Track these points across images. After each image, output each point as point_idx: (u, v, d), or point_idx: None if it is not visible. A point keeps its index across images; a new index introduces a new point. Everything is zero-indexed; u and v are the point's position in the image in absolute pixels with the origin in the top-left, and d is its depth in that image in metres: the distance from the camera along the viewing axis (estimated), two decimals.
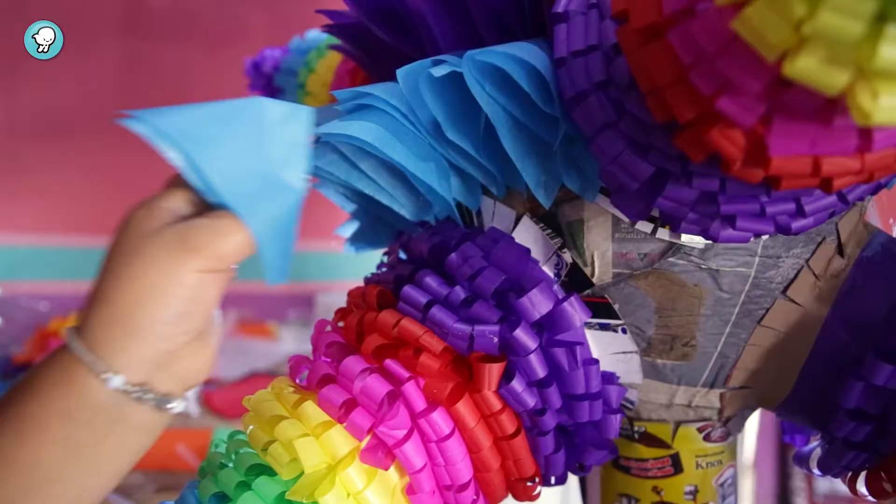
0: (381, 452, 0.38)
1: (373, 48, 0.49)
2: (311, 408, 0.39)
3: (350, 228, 0.57)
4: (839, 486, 1.56)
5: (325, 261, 1.81)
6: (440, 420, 0.39)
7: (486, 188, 0.45)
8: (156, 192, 0.32)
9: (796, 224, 0.34)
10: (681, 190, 0.33)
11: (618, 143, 0.33)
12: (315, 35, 0.79)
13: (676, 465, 0.50)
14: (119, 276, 0.29)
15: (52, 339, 1.41)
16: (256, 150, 0.32)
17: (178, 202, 0.31)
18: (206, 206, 0.32)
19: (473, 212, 0.46)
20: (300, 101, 0.76)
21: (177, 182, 0.32)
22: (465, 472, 0.40)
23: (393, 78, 0.46)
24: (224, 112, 0.32)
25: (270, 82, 0.83)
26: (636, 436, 0.50)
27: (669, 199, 0.33)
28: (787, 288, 0.42)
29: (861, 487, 0.45)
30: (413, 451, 0.38)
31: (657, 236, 0.40)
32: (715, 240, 0.36)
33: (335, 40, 0.72)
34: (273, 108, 0.32)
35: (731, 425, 0.50)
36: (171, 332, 0.29)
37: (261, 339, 1.56)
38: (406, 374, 0.39)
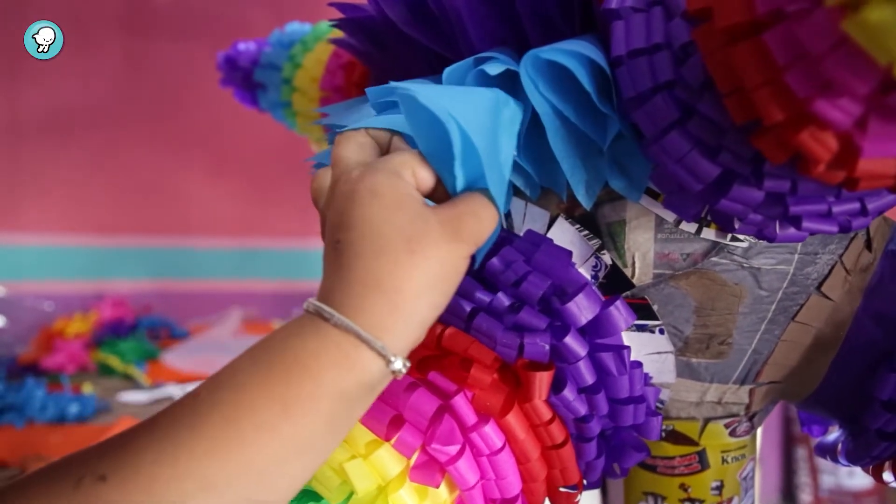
0: (432, 470, 0.37)
1: (389, 44, 0.46)
2: (356, 427, 0.37)
3: None
4: (844, 481, 1.62)
5: None
6: (492, 433, 0.37)
7: (516, 189, 0.43)
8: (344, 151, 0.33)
9: (856, 223, 0.34)
10: (748, 191, 0.32)
11: (684, 144, 0.32)
12: (296, 28, 0.76)
13: (703, 462, 0.50)
14: (401, 263, 0.29)
15: (56, 338, 1.37)
16: (495, 141, 0.33)
17: (410, 177, 0.32)
18: (427, 182, 0.33)
19: (502, 213, 0.45)
20: (285, 97, 0.72)
21: (401, 155, 0.33)
22: (515, 484, 0.39)
23: (412, 75, 0.44)
24: (483, 101, 0.33)
25: (248, 77, 0.79)
26: (663, 434, 0.50)
27: (735, 201, 0.33)
28: (821, 284, 0.42)
29: (888, 476, 0.46)
30: (466, 468, 0.37)
31: (702, 236, 0.39)
32: (771, 240, 0.35)
33: (322, 32, 0.70)
34: (503, 101, 0.34)
35: (755, 420, 0.50)
36: (435, 315, 0.31)
37: None
38: (454, 388, 0.38)
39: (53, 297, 1.59)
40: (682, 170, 0.33)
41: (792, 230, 0.34)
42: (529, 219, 0.44)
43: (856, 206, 0.33)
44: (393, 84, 0.31)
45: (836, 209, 0.33)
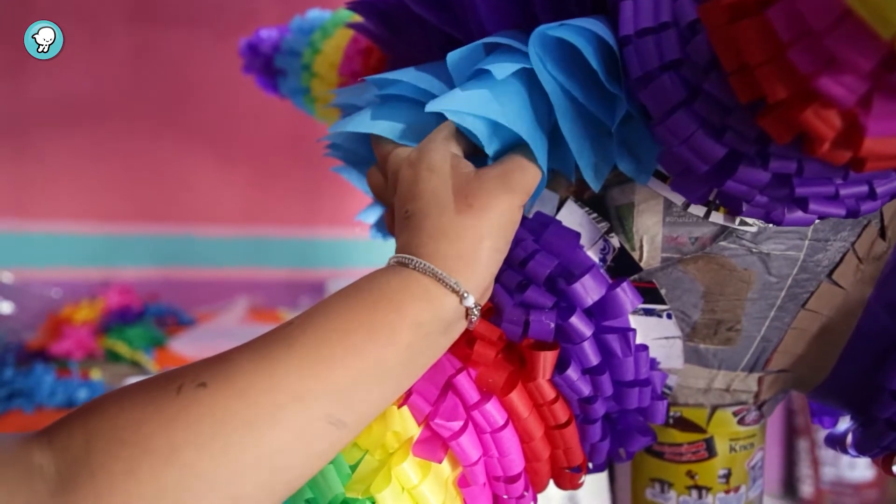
0: (434, 445, 0.37)
1: (403, 27, 0.47)
2: None
3: (373, 215, 0.55)
4: (845, 473, 1.60)
5: (336, 248, 1.81)
6: (494, 411, 0.38)
7: None
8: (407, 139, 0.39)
9: (865, 207, 0.34)
10: (754, 172, 0.32)
11: (690, 124, 0.32)
12: (317, 15, 0.76)
13: (710, 450, 0.49)
14: (463, 216, 0.34)
15: (64, 325, 1.39)
16: (533, 115, 0.37)
17: (456, 148, 0.37)
18: (468, 151, 0.38)
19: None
20: (305, 83, 0.73)
21: (445, 131, 0.38)
22: (517, 462, 0.39)
23: (425, 57, 0.44)
24: (516, 89, 0.37)
25: (269, 63, 0.80)
26: (671, 421, 0.49)
27: (741, 182, 0.33)
28: (832, 271, 0.42)
29: None
30: (469, 444, 0.37)
31: (710, 220, 0.39)
32: (779, 223, 0.35)
33: (343, 18, 0.70)
34: (533, 76, 0.37)
35: (765, 409, 0.50)
36: (499, 259, 0.35)
37: (272, 326, 1.54)
38: (458, 365, 0.38)
39: (61, 283, 1.62)
40: (688, 150, 0.33)
41: (799, 213, 0.34)
42: (539, 201, 0.44)
43: (864, 188, 0.33)
44: (434, 98, 0.36)
45: (843, 191, 0.32)
